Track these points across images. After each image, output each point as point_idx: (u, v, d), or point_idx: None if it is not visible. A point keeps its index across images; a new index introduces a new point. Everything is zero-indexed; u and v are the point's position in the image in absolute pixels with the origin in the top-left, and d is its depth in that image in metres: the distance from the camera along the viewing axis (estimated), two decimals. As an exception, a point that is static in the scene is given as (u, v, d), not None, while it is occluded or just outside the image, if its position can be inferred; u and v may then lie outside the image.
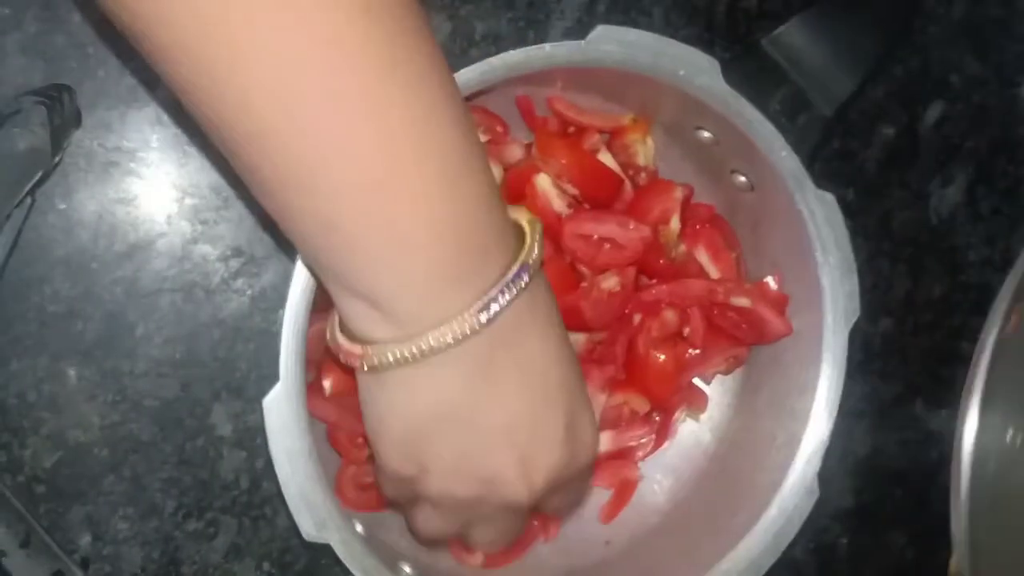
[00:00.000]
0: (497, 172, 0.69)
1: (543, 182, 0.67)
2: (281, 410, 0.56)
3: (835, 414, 0.66)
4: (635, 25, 0.77)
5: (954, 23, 0.84)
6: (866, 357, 0.86)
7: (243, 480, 0.73)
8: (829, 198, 0.65)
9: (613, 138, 0.71)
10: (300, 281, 0.56)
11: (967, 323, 0.89)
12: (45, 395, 0.69)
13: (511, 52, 0.60)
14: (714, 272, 0.71)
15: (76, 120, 0.66)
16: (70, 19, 0.67)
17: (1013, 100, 0.86)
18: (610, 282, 0.69)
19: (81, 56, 0.67)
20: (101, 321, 0.69)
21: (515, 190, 0.68)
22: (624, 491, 0.74)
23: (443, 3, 0.73)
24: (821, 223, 0.65)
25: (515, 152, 0.70)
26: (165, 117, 0.69)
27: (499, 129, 0.70)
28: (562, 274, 0.68)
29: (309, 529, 0.57)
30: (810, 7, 0.71)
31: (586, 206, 0.69)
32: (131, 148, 0.69)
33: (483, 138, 0.69)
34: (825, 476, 0.86)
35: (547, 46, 0.60)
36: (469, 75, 0.59)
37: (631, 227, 0.68)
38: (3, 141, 0.61)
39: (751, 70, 0.66)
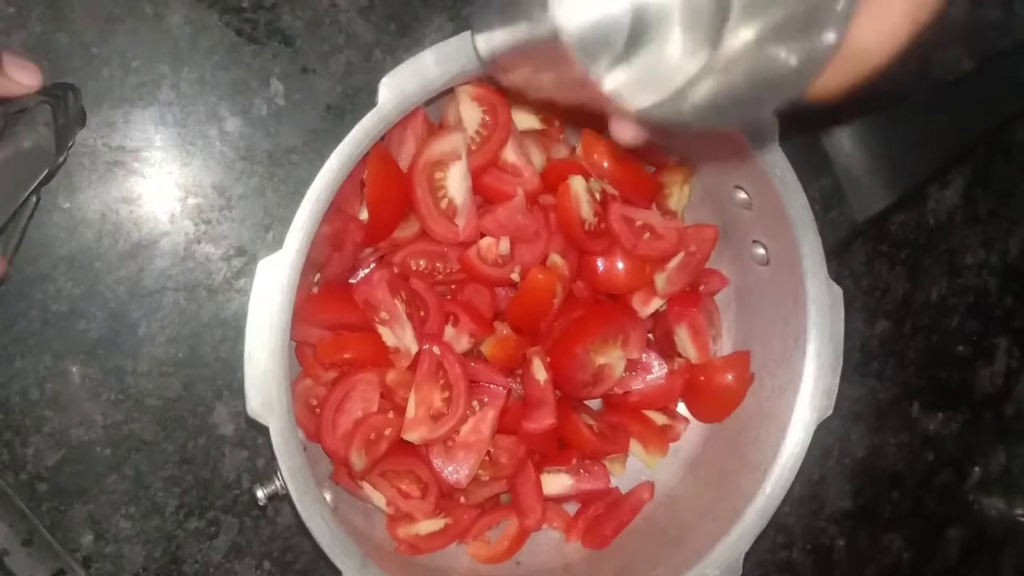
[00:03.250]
0: (540, 161, 0.70)
1: (577, 185, 0.68)
2: (275, 276, 0.56)
3: (779, 500, 0.66)
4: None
5: (953, 25, 0.85)
6: (863, 359, 0.87)
7: (244, 479, 0.73)
8: (838, 291, 0.66)
9: (657, 175, 0.73)
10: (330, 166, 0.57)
11: (964, 325, 0.90)
12: (48, 393, 0.69)
13: None
14: (691, 349, 0.73)
15: (81, 119, 0.66)
16: (74, 19, 0.67)
17: (1011, 102, 0.87)
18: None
19: (86, 55, 0.67)
20: (104, 320, 0.69)
21: (551, 182, 0.69)
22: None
23: (444, 3, 0.73)
24: (823, 312, 0.66)
25: (561, 149, 0.71)
26: (169, 116, 0.69)
27: (556, 123, 0.72)
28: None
29: (255, 405, 0.56)
30: (875, 115, 0.72)
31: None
32: (135, 147, 0.69)
33: (538, 124, 0.71)
34: (821, 478, 0.87)
35: None
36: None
37: (666, 218, 0.70)
38: (8, 140, 0.62)
39: (800, 151, 0.66)
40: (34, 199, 0.64)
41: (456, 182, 0.66)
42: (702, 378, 0.73)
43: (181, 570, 0.72)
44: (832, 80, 0.39)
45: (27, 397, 0.68)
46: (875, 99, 0.71)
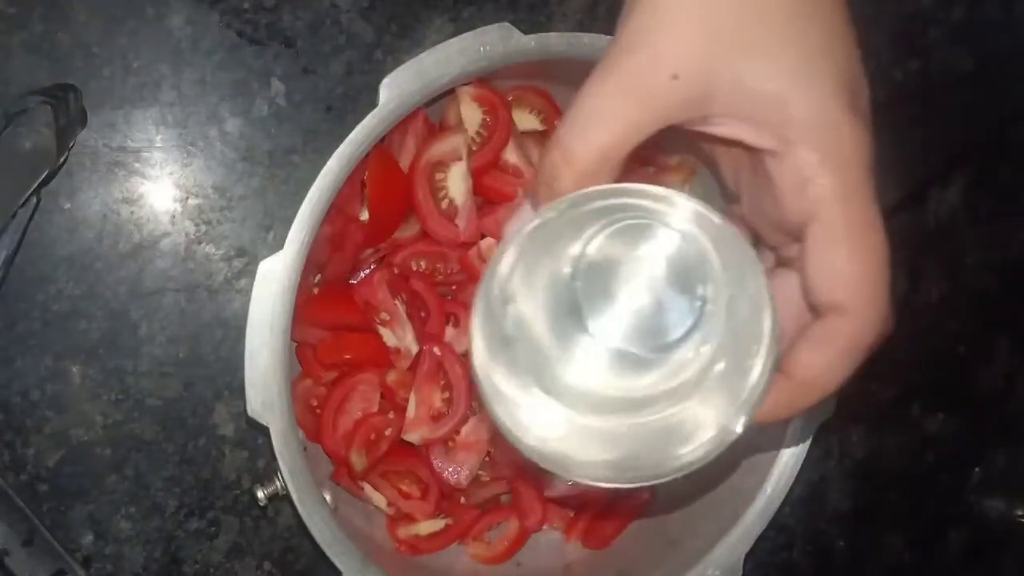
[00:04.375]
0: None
1: None
2: (276, 276, 0.56)
3: (779, 501, 0.66)
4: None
5: (954, 26, 0.85)
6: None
7: (244, 480, 0.73)
8: None
9: (655, 176, 0.72)
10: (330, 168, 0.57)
11: (965, 326, 0.89)
12: (48, 394, 0.69)
13: (597, 36, 0.60)
14: None
15: (81, 120, 0.66)
16: (76, 19, 0.67)
17: (1012, 103, 0.87)
18: None
19: (87, 56, 0.67)
20: (105, 320, 0.69)
21: None
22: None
23: (445, 5, 0.73)
24: None
25: None
26: (170, 117, 0.69)
27: (556, 123, 0.71)
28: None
29: (255, 406, 0.56)
30: (875, 116, 0.71)
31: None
32: (136, 148, 0.69)
33: (539, 126, 0.70)
34: (822, 479, 0.87)
35: None
36: (554, 41, 0.60)
37: None
38: (9, 141, 0.62)
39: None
40: (34, 200, 0.64)
41: (457, 183, 0.66)
42: None
43: (181, 570, 0.72)
44: (780, 411, 0.40)
45: (28, 398, 0.68)
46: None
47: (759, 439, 0.68)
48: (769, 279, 0.38)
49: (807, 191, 0.38)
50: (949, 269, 0.88)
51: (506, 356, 0.40)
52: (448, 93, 0.63)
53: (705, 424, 0.39)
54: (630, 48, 0.38)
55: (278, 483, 0.59)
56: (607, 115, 0.38)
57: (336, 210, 0.59)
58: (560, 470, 0.40)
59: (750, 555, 0.66)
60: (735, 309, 0.39)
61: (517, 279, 0.40)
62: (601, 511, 0.74)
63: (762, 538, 0.66)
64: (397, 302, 0.65)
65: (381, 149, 0.64)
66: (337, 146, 0.56)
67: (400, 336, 0.65)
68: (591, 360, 0.39)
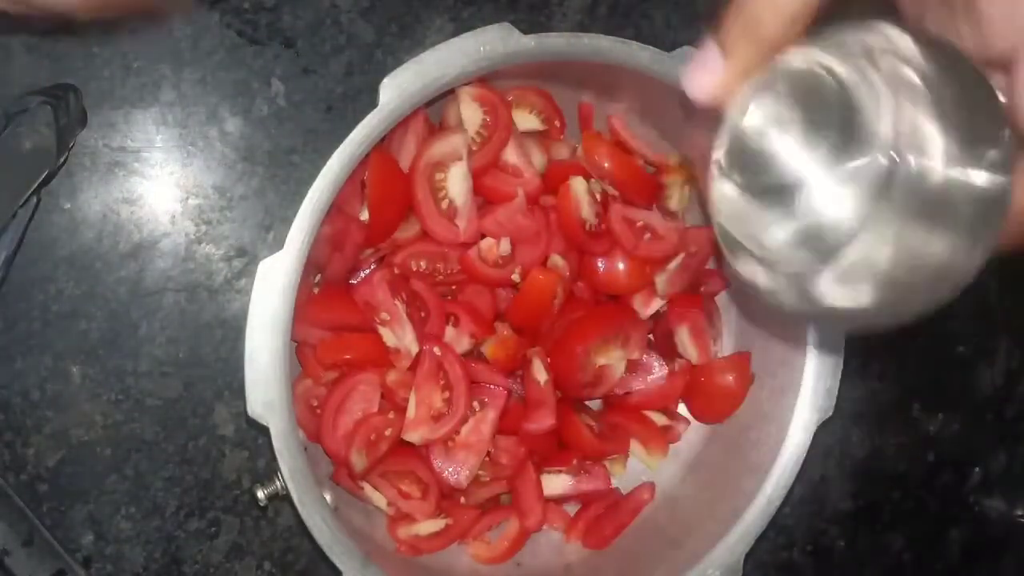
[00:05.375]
0: (541, 161, 0.69)
1: (578, 186, 0.68)
2: (276, 276, 0.56)
3: (780, 501, 0.66)
4: (636, 28, 0.78)
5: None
6: (864, 360, 0.86)
7: (245, 480, 0.73)
8: None
9: (656, 176, 0.72)
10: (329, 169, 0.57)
11: (965, 327, 0.90)
12: (48, 394, 0.69)
13: (597, 36, 0.60)
14: (691, 350, 0.73)
15: (82, 120, 0.66)
16: (76, 19, 0.67)
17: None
18: None
19: (87, 56, 0.67)
20: (105, 320, 0.69)
21: (552, 183, 0.69)
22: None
23: (445, 5, 0.73)
24: None
25: (562, 150, 0.71)
26: (170, 117, 0.69)
27: (556, 123, 0.71)
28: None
29: (256, 406, 0.56)
30: None
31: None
32: (136, 148, 0.69)
33: (539, 126, 0.70)
34: (822, 479, 0.87)
35: (634, 44, 0.61)
36: (554, 41, 0.60)
37: (667, 219, 0.70)
38: (9, 140, 0.62)
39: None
40: (35, 200, 0.64)
41: (457, 183, 0.66)
42: (703, 379, 0.73)
43: (181, 570, 0.72)
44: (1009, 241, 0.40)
45: (28, 398, 0.68)
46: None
47: (763, 433, 0.68)
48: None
49: (1018, 18, 0.37)
50: (949, 269, 0.88)
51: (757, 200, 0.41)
52: (448, 93, 0.63)
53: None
54: None
55: (278, 483, 0.59)
56: None
57: (336, 210, 0.59)
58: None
59: (750, 555, 0.66)
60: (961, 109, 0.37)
61: (762, 118, 0.40)
62: (602, 511, 0.74)
63: (762, 538, 0.67)
64: (397, 302, 0.65)
65: (381, 149, 0.64)
66: (337, 146, 0.56)
67: (400, 336, 0.65)
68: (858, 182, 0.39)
